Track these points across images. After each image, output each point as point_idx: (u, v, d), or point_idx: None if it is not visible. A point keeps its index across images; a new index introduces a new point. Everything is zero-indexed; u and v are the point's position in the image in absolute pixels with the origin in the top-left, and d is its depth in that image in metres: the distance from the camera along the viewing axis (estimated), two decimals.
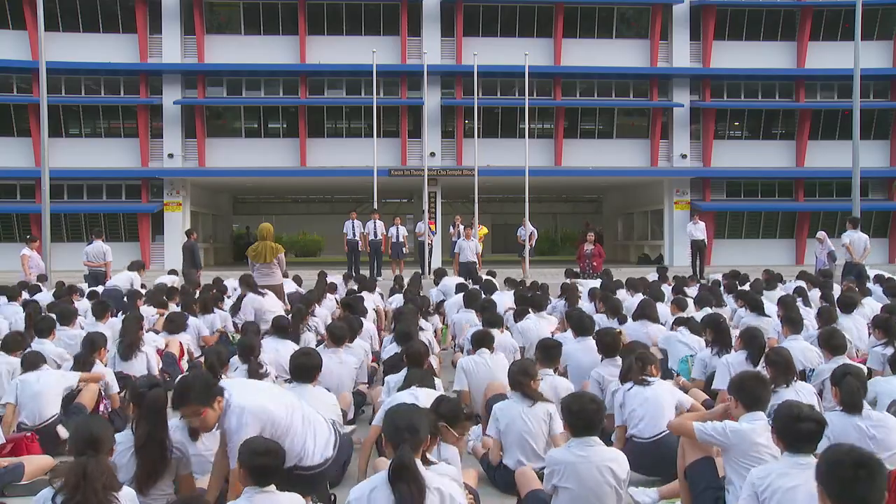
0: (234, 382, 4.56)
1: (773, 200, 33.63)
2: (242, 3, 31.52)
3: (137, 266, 15.27)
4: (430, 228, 26.00)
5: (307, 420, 4.44)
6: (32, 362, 7.05)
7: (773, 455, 4.26)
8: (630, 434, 5.64)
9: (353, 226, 22.64)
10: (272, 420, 4.20)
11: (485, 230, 28.38)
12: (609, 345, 6.94)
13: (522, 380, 5.48)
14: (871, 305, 10.35)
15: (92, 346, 7.60)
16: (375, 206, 25.97)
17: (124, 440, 4.51)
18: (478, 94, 28.68)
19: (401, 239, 23.14)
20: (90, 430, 3.94)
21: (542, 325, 9.30)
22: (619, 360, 6.60)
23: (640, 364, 5.86)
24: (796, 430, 3.80)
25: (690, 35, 32.48)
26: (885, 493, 2.88)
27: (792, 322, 7.75)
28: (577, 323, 7.90)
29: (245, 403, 4.20)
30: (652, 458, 5.50)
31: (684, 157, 32.65)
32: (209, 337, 10.50)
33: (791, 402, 4.01)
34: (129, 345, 8.25)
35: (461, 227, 22.10)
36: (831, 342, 6.73)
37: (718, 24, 32.40)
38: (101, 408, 7.33)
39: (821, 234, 20.11)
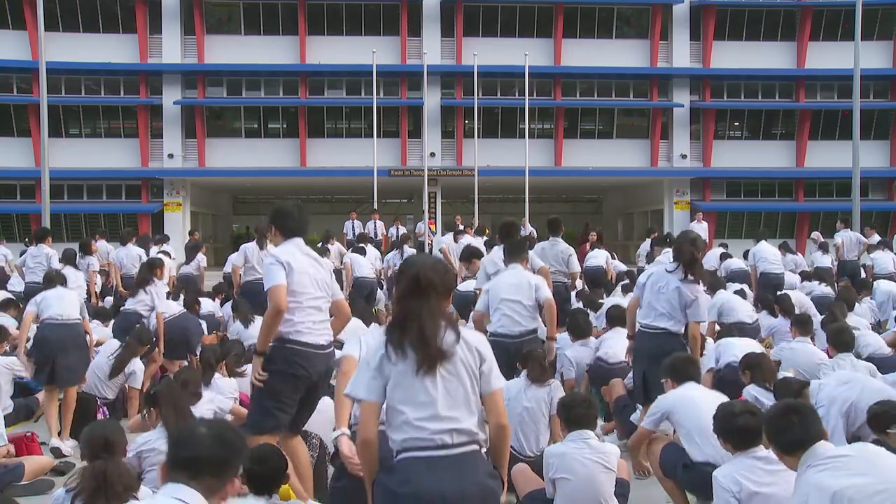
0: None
1: (773, 200, 33.64)
2: (242, 3, 31.52)
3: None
4: (430, 228, 26.01)
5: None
6: (50, 279, 8.26)
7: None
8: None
9: (353, 226, 22.64)
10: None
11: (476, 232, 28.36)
12: (580, 325, 7.78)
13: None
14: (869, 305, 10.34)
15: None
16: (375, 206, 25.97)
17: (155, 438, 4.58)
18: (478, 94, 28.67)
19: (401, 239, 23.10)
20: (104, 434, 3.98)
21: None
22: (590, 340, 7.74)
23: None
24: (735, 426, 4.00)
25: (690, 35, 32.48)
26: (821, 432, 3.41)
27: (801, 324, 7.63)
28: (573, 326, 7.88)
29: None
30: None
31: (684, 157, 32.65)
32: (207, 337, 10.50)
33: (724, 403, 4.31)
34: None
35: (461, 226, 22.08)
36: (839, 338, 6.57)
37: (718, 24, 32.40)
38: (100, 415, 7.42)
39: (815, 234, 20.25)
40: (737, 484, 3.83)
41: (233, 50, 31.05)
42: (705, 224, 23.05)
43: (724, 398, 4.69)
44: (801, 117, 33.19)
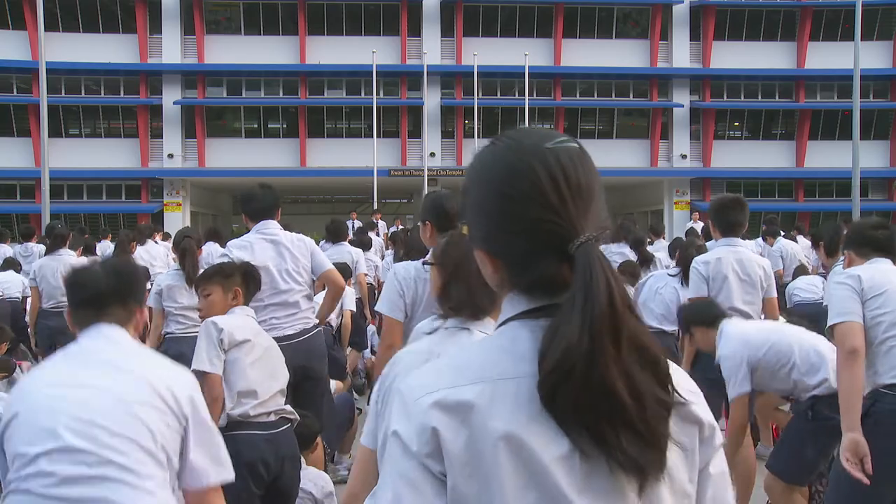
0: None
1: (773, 200, 33.63)
2: (242, 3, 31.52)
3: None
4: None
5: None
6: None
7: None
8: None
9: (353, 226, 22.63)
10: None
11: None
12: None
13: None
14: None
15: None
16: (375, 206, 25.96)
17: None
18: (478, 95, 28.67)
19: None
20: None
21: None
22: None
23: None
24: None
25: (690, 35, 32.48)
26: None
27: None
28: None
29: None
30: None
31: (684, 157, 32.65)
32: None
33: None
34: None
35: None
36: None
37: (718, 25, 32.40)
38: None
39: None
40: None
41: (233, 50, 31.04)
42: (702, 224, 23.08)
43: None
44: (800, 117, 33.18)
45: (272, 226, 4.70)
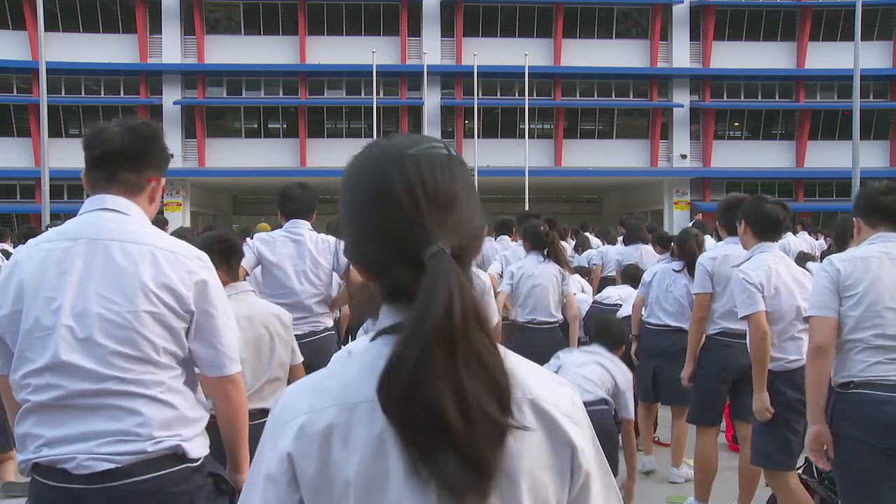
0: None
1: None
2: (242, 4, 31.53)
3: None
4: None
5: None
6: None
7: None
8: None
9: None
10: None
11: None
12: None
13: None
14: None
15: None
16: None
17: None
18: (478, 95, 28.67)
19: None
20: None
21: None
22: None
23: None
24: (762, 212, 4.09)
25: (690, 35, 32.49)
26: None
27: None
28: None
29: None
30: None
31: (684, 157, 32.65)
32: None
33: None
34: None
35: None
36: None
37: (718, 25, 32.41)
38: None
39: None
40: None
41: (233, 50, 31.05)
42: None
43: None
44: (800, 117, 33.19)
45: (301, 226, 4.69)
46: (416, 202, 0.99)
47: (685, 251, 5.61)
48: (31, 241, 2.21)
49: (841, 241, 5.99)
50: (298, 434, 0.99)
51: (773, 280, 3.93)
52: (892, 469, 2.93)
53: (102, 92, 31.72)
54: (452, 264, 0.96)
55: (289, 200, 4.77)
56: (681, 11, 32.23)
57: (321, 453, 0.98)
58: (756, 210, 4.10)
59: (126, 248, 2.09)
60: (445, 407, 0.92)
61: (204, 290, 2.13)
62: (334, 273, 4.71)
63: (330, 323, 4.77)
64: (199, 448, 2.12)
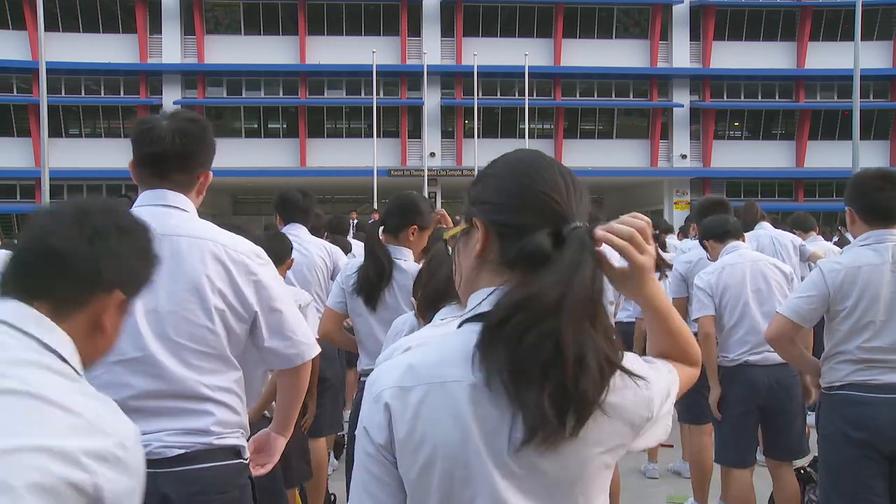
0: None
1: (772, 200, 33.61)
2: (242, 3, 31.53)
3: None
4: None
5: None
6: None
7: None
8: None
9: (353, 226, 22.64)
10: None
11: None
12: None
13: None
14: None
15: None
16: (375, 206, 25.97)
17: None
18: (478, 95, 28.67)
19: None
20: None
21: None
22: None
23: None
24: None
25: (690, 35, 32.50)
26: None
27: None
28: None
29: None
30: None
31: (684, 157, 32.66)
32: None
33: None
34: None
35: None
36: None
37: (718, 25, 32.42)
38: None
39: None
40: None
41: (233, 50, 31.06)
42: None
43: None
44: (800, 117, 33.20)
45: (297, 229, 4.72)
46: (568, 188, 1.18)
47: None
48: None
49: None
50: (390, 402, 1.11)
51: (724, 280, 4.04)
52: (875, 471, 2.93)
53: (102, 92, 31.71)
54: (591, 241, 1.13)
55: (286, 203, 4.81)
56: (681, 11, 32.23)
57: (410, 424, 1.09)
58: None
59: (193, 243, 2.09)
60: (569, 343, 1.05)
61: (263, 288, 2.13)
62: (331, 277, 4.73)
63: None
64: (247, 449, 2.20)
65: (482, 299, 1.15)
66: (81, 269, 1.29)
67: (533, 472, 1.09)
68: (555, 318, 1.04)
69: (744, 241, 4.26)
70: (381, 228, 3.52)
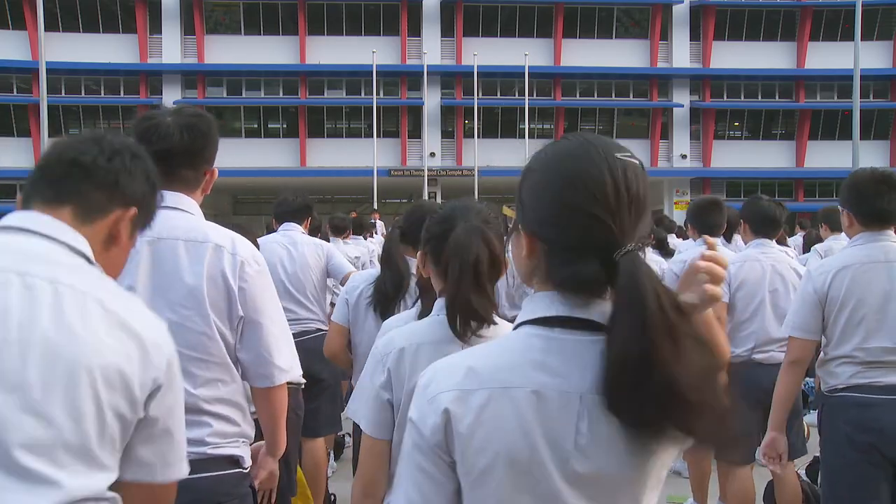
0: None
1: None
2: (242, 4, 31.53)
3: None
4: None
5: None
6: None
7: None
8: None
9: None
10: None
11: None
12: None
13: None
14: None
15: None
16: (375, 206, 25.97)
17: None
18: (478, 95, 28.67)
19: None
20: None
21: None
22: None
23: None
24: (758, 210, 4.10)
25: (690, 35, 32.50)
26: None
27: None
28: None
29: None
30: None
31: (684, 157, 32.66)
32: None
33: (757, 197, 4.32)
34: None
35: None
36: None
37: (718, 25, 32.41)
38: None
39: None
40: None
41: (233, 50, 31.05)
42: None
43: None
44: (800, 117, 33.19)
45: (290, 228, 4.73)
46: (621, 203, 1.07)
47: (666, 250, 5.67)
48: None
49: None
50: (450, 406, 1.08)
51: (743, 273, 4.02)
52: (878, 475, 2.92)
53: (102, 92, 31.71)
54: (645, 262, 1.04)
55: (280, 205, 4.83)
56: (681, 11, 32.23)
57: (471, 429, 1.06)
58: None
59: (191, 247, 2.06)
60: (680, 385, 1.00)
61: (251, 295, 2.07)
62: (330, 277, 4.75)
63: (323, 326, 4.69)
64: (248, 457, 2.16)
65: (537, 304, 1.12)
66: (102, 178, 1.40)
67: (596, 475, 1.06)
68: (653, 369, 1.00)
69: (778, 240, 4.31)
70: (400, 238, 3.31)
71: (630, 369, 1.00)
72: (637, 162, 1.12)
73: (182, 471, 1.40)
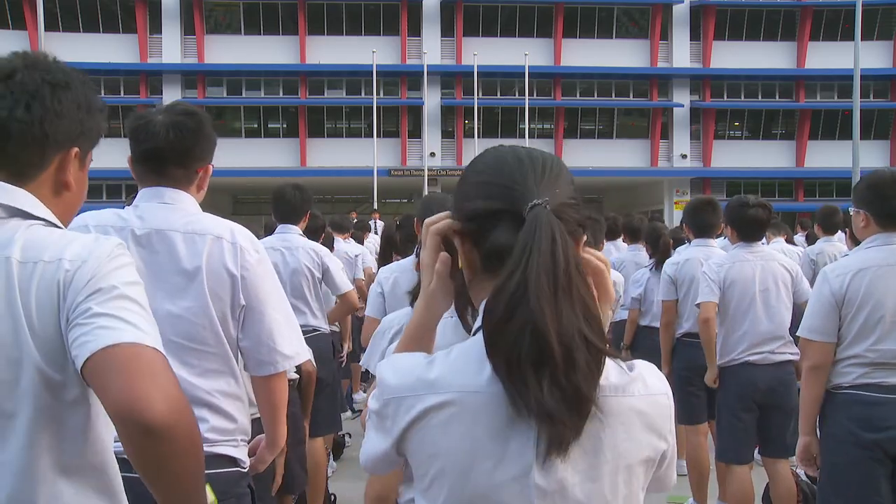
0: None
1: (772, 200, 33.02)
2: (242, 3, 31.53)
3: None
4: None
5: None
6: None
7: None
8: None
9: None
10: None
11: None
12: None
13: None
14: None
15: None
16: (375, 206, 25.97)
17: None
18: (478, 94, 28.66)
19: None
20: None
21: None
22: None
23: None
24: (745, 217, 4.04)
25: (690, 35, 32.50)
26: None
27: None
28: None
29: None
30: None
31: (684, 157, 32.66)
32: None
33: (739, 196, 4.29)
34: None
35: None
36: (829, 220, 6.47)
37: (718, 24, 32.41)
38: None
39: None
40: None
41: (233, 50, 31.05)
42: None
43: None
44: (801, 117, 33.19)
45: (288, 230, 4.58)
46: (524, 169, 1.12)
47: (658, 248, 5.60)
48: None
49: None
50: (396, 412, 1.08)
51: (732, 274, 4.06)
52: (880, 473, 2.91)
53: (102, 92, 31.68)
54: (552, 216, 1.04)
55: (278, 201, 4.65)
56: (681, 11, 32.23)
57: (421, 434, 1.06)
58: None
59: (188, 238, 2.06)
60: (547, 328, 0.99)
61: (252, 282, 2.07)
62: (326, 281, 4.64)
63: (321, 325, 4.69)
64: (246, 458, 2.15)
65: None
66: (26, 133, 1.29)
67: (563, 489, 1.03)
68: (524, 304, 0.98)
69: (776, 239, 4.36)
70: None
71: (502, 301, 1.01)
72: (555, 157, 1.20)
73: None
